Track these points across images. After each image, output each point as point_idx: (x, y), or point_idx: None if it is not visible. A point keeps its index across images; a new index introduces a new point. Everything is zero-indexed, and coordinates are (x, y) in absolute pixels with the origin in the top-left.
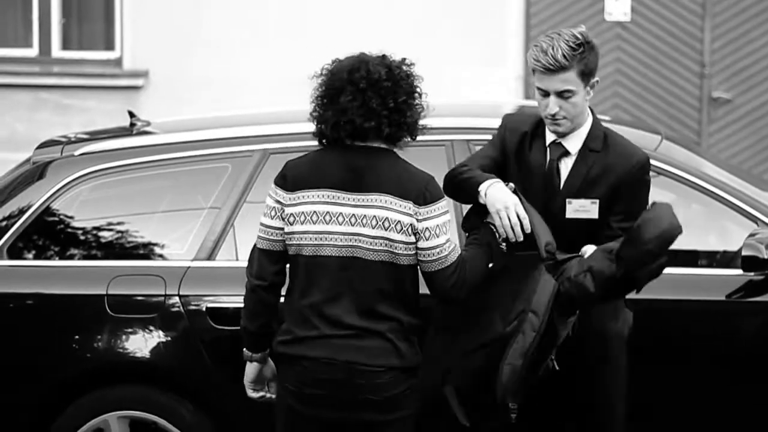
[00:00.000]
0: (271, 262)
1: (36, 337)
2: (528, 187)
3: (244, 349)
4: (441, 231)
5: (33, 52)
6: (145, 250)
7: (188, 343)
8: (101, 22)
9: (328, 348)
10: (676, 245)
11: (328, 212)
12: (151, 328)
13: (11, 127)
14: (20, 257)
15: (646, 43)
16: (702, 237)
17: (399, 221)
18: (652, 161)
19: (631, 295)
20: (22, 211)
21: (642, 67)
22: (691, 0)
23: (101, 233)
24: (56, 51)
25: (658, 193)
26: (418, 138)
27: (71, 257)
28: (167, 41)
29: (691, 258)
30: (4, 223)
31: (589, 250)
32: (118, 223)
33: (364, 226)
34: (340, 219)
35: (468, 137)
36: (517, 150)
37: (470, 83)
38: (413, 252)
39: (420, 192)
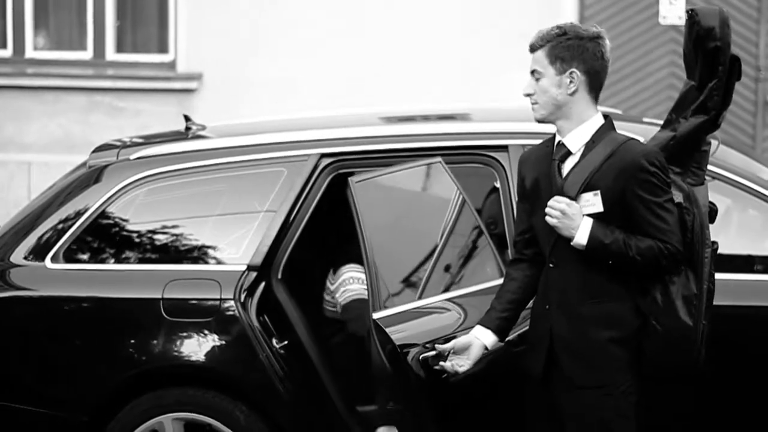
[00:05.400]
0: None
1: (92, 341)
2: (542, 197)
3: None
4: None
5: (87, 54)
6: (200, 254)
7: (243, 347)
8: (155, 25)
9: None
10: (731, 250)
11: None
12: (206, 331)
13: (66, 129)
14: (76, 261)
15: None
16: (757, 242)
17: None
18: (709, 166)
19: None
20: (78, 215)
21: None
22: (746, 4)
23: (157, 237)
24: (110, 54)
25: (714, 197)
26: None
27: (127, 261)
28: (221, 44)
29: (746, 263)
30: (60, 226)
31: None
32: (174, 227)
33: None
34: None
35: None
36: (530, 173)
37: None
38: None
39: None
